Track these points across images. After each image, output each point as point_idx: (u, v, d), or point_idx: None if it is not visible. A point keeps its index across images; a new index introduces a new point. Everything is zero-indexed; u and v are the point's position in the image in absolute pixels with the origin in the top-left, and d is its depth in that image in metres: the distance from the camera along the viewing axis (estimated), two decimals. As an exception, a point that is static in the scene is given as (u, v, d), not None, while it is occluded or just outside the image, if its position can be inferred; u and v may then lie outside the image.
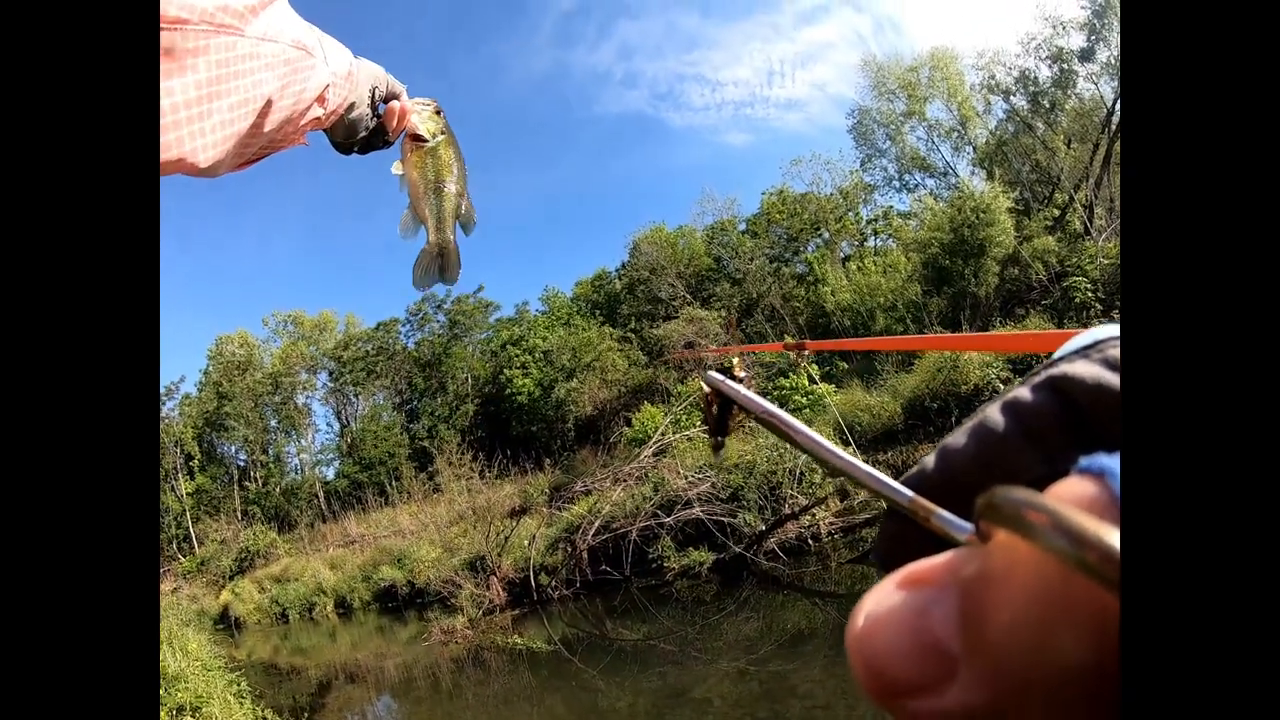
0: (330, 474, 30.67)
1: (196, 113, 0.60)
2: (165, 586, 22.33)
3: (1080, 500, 0.16)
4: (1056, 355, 0.23)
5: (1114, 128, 19.00)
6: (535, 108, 59.11)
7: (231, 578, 21.76)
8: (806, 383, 14.84)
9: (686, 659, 7.92)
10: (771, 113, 49.41)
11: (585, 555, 11.98)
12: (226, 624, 18.85)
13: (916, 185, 24.09)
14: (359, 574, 17.56)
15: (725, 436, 0.35)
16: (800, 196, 24.91)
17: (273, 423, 31.77)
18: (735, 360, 0.35)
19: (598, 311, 28.33)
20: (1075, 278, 16.18)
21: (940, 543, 0.19)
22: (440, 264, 1.11)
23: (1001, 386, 12.33)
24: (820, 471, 11.03)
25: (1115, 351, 0.21)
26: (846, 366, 17.55)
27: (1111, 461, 0.17)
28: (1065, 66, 21.29)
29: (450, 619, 11.98)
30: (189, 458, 30.34)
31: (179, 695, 6.61)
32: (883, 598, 0.18)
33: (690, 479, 11.64)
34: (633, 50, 58.83)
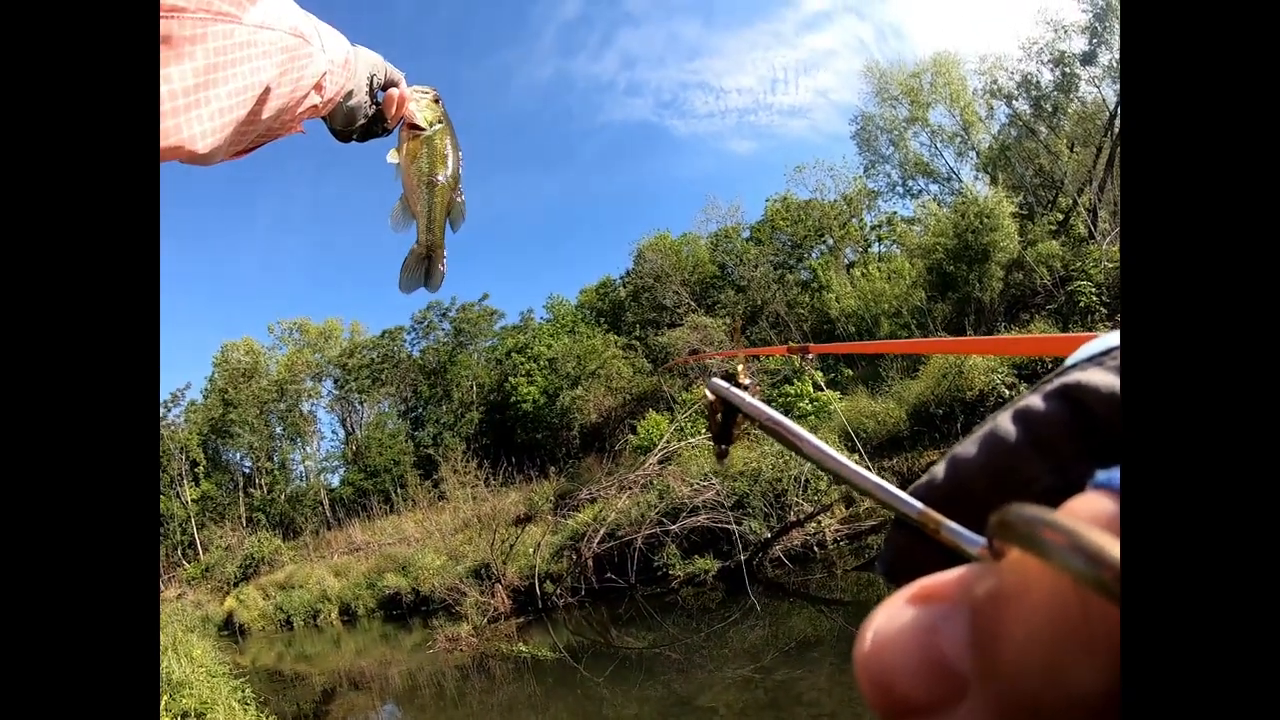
0: (335, 481, 30.71)
1: (194, 100, 0.60)
2: (170, 592, 22.35)
3: (1097, 518, 0.16)
4: (1069, 362, 0.22)
5: (1116, 131, 18.98)
6: (539, 117, 59.39)
7: (236, 584, 21.75)
8: (811, 389, 14.80)
9: (692, 667, 7.88)
10: (775, 120, 49.47)
11: (590, 563, 11.94)
12: (231, 630, 18.83)
13: (920, 191, 24.08)
14: (364, 581, 17.53)
15: (730, 444, 0.35)
16: (804, 203, 24.93)
17: (278, 430, 31.82)
18: (740, 367, 0.35)
19: (602, 319, 28.34)
20: (1080, 282, 16.12)
21: (949, 555, 0.19)
22: (426, 268, 1.10)
23: (1007, 392, 12.28)
24: (825, 478, 10.99)
25: None
26: (851, 373, 17.50)
27: None
28: (1067, 70, 21.28)
29: (455, 626, 11.95)
30: (194, 464, 30.40)
31: (184, 701, 6.62)
32: (892, 614, 0.18)
33: (695, 486, 11.61)
34: (636, 59, 59.20)
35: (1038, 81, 21.85)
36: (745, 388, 0.33)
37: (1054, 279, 17.66)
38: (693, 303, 24.79)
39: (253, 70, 0.65)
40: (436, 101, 1.03)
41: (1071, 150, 21.07)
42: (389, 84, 0.94)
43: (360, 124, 0.92)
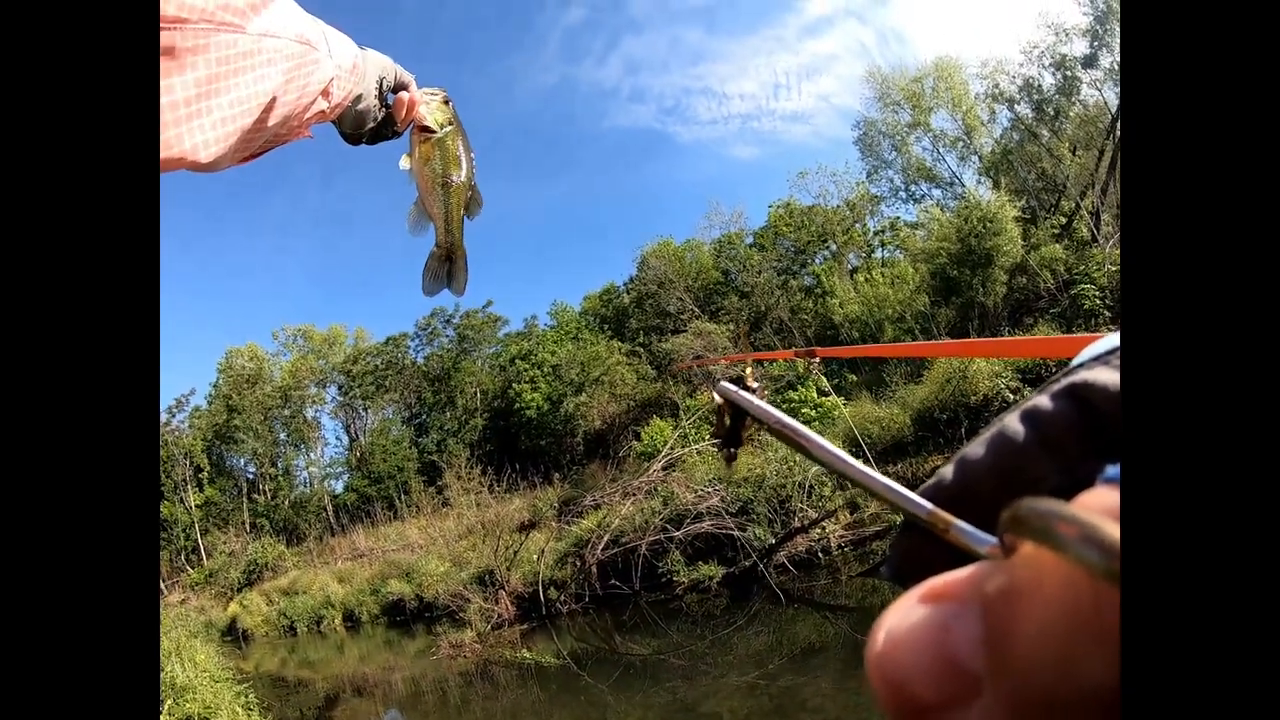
0: (339, 487, 30.70)
1: (195, 110, 0.60)
2: (173, 598, 22.36)
3: (1109, 511, 0.16)
4: (1075, 362, 0.22)
5: (1118, 134, 18.97)
6: (543, 123, 59.50)
7: (239, 590, 21.74)
8: (816, 395, 14.77)
9: (696, 673, 7.85)
10: (778, 125, 49.60)
11: (594, 569, 11.92)
12: (234, 636, 18.81)
13: (923, 196, 24.08)
14: (367, 587, 17.51)
15: (738, 448, 0.35)
16: (807, 209, 24.92)
17: (282, 436, 31.87)
18: (748, 371, 0.35)
19: (606, 325, 28.35)
20: (1083, 285, 16.09)
21: (957, 555, 0.19)
22: (449, 269, 1.10)
23: (1011, 396, 12.24)
24: (830, 484, 10.96)
25: None
26: (855, 378, 17.48)
27: None
28: (1069, 73, 21.28)
29: (459, 633, 11.93)
30: (198, 470, 30.44)
31: (187, 706, 6.62)
32: (904, 614, 0.17)
33: (699, 493, 11.59)
34: (639, 65, 59.27)
35: (1039, 85, 21.87)
36: (753, 391, 0.33)
37: (1057, 282, 17.63)
38: (696, 309, 24.79)
39: (257, 79, 0.65)
40: (447, 103, 1.02)
41: (1074, 153, 21.06)
42: (399, 87, 0.94)
43: (370, 127, 0.92)
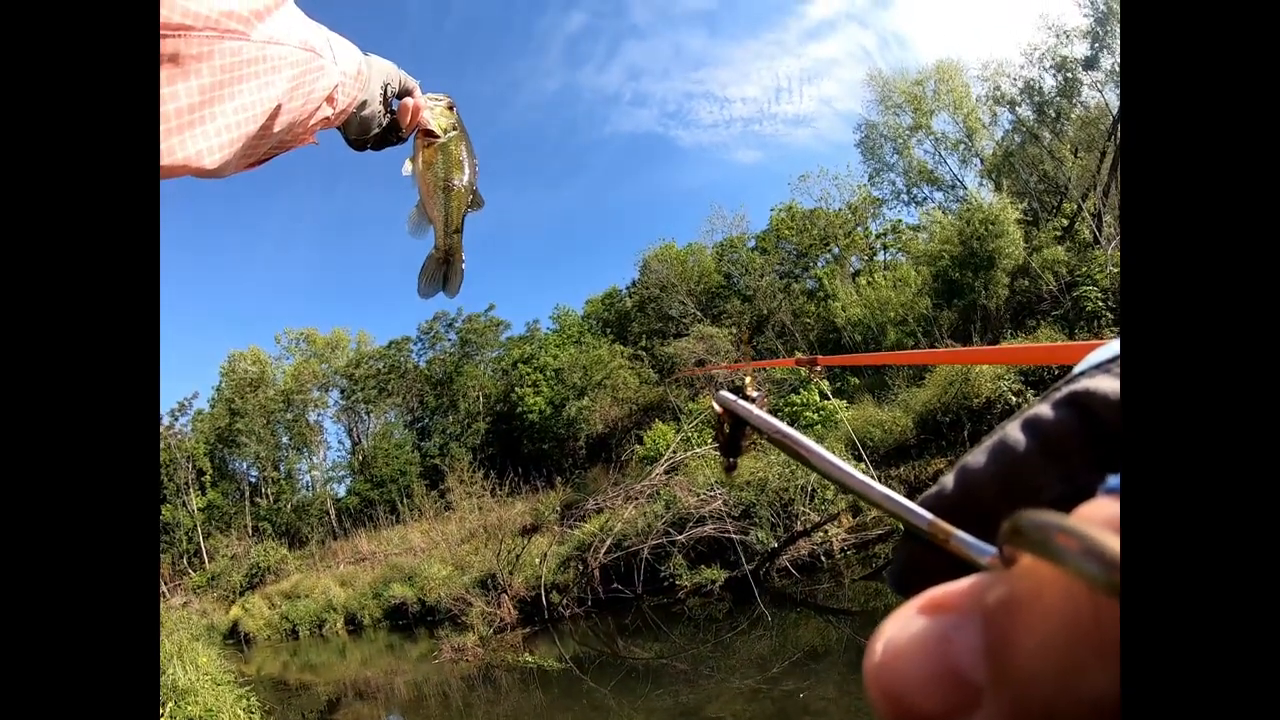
0: (341, 491, 30.71)
1: (199, 116, 0.60)
2: (175, 601, 22.34)
3: (1109, 522, 0.16)
4: (1077, 370, 0.22)
5: (1119, 136, 18.94)
6: (546, 128, 59.67)
7: (242, 593, 21.76)
8: (818, 399, 14.76)
9: (699, 677, 7.83)
10: (780, 129, 49.69)
11: (597, 573, 11.90)
12: (236, 639, 18.80)
13: (925, 198, 24.08)
14: (369, 591, 17.51)
15: (738, 457, 0.35)
16: (809, 212, 24.93)
17: (284, 439, 31.88)
18: (748, 379, 0.35)
19: (608, 329, 28.36)
20: (1085, 287, 16.07)
21: (959, 566, 0.19)
22: (445, 271, 1.11)
23: (1014, 399, 12.22)
24: (833, 488, 10.93)
25: None
26: (858, 382, 17.45)
27: None
28: (1070, 75, 21.27)
29: (461, 637, 11.91)
30: (200, 473, 30.46)
31: (189, 709, 6.62)
32: (903, 624, 0.17)
33: (702, 496, 11.57)
34: (641, 70, 59.34)
35: (1040, 87, 21.86)
36: (753, 400, 0.33)
37: (1060, 284, 17.61)
38: (698, 313, 24.79)
39: (262, 86, 0.65)
40: (451, 109, 1.03)
41: (1075, 155, 21.04)
42: (404, 92, 0.95)
43: (375, 133, 0.93)
